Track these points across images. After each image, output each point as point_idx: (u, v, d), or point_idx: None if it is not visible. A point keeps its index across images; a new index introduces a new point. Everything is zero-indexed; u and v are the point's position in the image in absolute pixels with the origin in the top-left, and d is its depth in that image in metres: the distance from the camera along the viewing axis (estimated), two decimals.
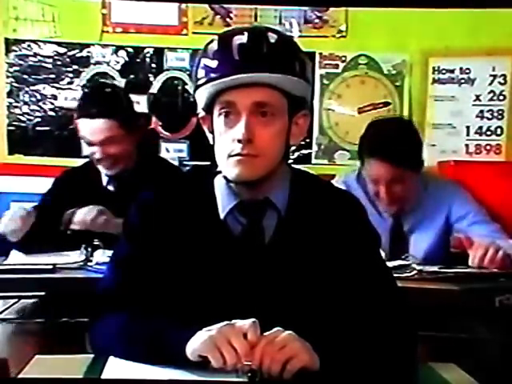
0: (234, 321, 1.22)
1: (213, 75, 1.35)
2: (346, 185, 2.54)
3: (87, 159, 2.64)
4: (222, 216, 1.42)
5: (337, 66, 3.35)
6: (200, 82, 1.38)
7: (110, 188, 2.56)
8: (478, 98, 3.29)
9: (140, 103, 3.27)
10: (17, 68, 3.32)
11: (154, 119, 3.32)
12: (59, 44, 3.31)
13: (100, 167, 2.53)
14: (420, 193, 2.51)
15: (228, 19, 3.31)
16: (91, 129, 2.46)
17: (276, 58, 1.34)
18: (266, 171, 1.38)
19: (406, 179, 2.42)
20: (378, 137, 2.44)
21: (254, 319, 1.21)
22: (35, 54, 3.32)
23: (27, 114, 3.34)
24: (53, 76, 3.33)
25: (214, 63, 1.36)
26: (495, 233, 2.41)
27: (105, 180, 2.56)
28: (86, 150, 2.56)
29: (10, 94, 3.33)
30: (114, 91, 2.70)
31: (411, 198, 2.49)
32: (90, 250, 2.22)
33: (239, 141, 1.34)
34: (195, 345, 1.21)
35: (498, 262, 2.15)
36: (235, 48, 1.34)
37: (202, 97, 1.40)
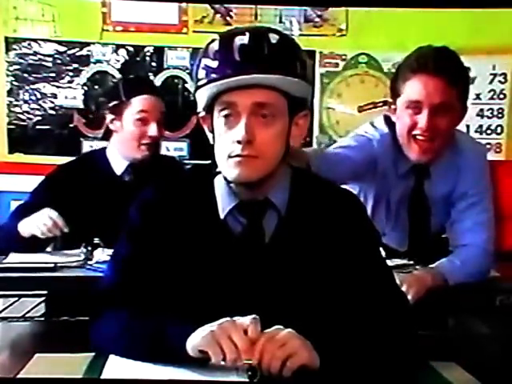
0: (235, 317, 1.23)
1: (213, 76, 1.35)
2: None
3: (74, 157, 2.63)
4: (222, 216, 1.42)
5: (337, 65, 3.35)
6: (201, 83, 1.38)
7: (126, 178, 2.53)
8: (478, 96, 3.29)
9: None
10: (17, 66, 3.32)
11: None
12: (59, 43, 3.31)
13: (134, 150, 2.46)
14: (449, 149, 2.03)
15: (228, 18, 3.32)
16: (151, 104, 2.50)
17: (277, 58, 1.34)
18: (265, 172, 1.38)
19: (453, 111, 1.92)
20: (429, 51, 1.97)
21: (254, 316, 1.21)
22: (35, 53, 3.32)
23: (27, 112, 3.34)
24: (53, 74, 3.33)
25: (214, 63, 1.35)
26: (480, 225, 2.05)
27: (120, 170, 2.52)
28: (130, 128, 2.46)
29: (10, 93, 3.33)
30: None
31: (443, 148, 1.99)
32: (90, 248, 2.21)
33: (239, 142, 1.34)
34: (196, 340, 1.22)
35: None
36: (236, 48, 1.33)
37: (202, 97, 1.40)
